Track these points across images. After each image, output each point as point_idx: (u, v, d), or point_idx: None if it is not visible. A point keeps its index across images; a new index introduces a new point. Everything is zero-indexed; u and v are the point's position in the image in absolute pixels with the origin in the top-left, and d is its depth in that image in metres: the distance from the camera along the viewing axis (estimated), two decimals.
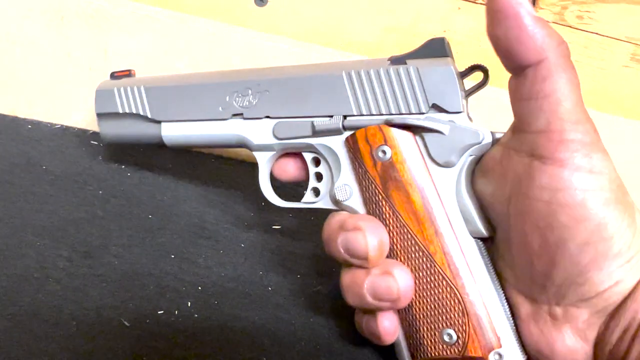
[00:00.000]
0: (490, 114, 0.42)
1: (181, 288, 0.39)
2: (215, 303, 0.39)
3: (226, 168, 0.51)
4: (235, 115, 0.39)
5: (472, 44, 0.57)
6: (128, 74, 0.44)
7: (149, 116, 0.42)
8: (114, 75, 0.45)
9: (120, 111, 0.43)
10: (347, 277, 0.34)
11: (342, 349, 0.38)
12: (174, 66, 0.53)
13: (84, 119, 0.53)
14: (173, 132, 0.41)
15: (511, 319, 0.33)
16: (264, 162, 0.40)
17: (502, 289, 0.34)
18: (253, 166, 0.51)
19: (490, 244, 0.34)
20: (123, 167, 0.49)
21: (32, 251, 0.39)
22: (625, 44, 0.57)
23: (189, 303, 0.38)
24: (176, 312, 0.37)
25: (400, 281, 0.32)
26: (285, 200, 0.40)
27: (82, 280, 0.38)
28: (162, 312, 0.37)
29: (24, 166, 0.46)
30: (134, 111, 0.42)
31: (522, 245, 0.31)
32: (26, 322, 0.34)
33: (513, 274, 0.33)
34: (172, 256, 0.42)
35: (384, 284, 0.33)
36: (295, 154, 0.40)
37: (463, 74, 0.35)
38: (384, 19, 0.57)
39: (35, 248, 0.39)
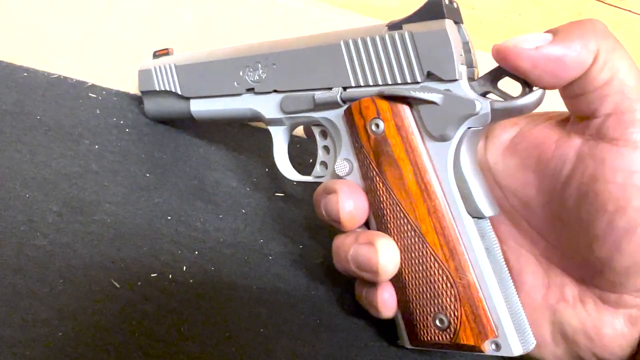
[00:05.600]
0: None
1: (177, 251, 0.37)
2: (212, 269, 0.37)
3: (230, 130, 0.49)
4: (248, 90, 0.39)
5: (499, 13, 0.53)
6: (166, 52, 0.45)
7: (180, 93, 0.43)
8: (155, 54, 0.46)
9: (157, 89, 0.44)
10: (337, 241, 0.34)
11: (344, 324, 0.36)
12: (181, 19, 0.50)
13: (83, 70, 0.50)
14: (200, 107, 0.42)
15: (518, 304, 0.31)
16: (278, 135, 0.39)
17: (542, 269, 0.32)
18: (258, 130, 0.48)
19: (521, 221, 0.33)
20: (122, 122, 0.46)
21: (19, 203, 0.36)
22: None
23: (184, 267, 0.36)
24: (170, 276, 0.35)
25: (381, 254, 0.31)
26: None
27: (71, 237, 0.35)
28: (155, 275, 0.35)
29: (17, 114, 0.44)
30: (168, 88, 0.43)
31: (580, 228, 0.29)
32: (9, 277, 0.32)
33: (561, 255, 0.31)
34: (169, 217, 0.39)
35: (366, 254, 0.32)
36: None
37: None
38: None
39: (23, 200, 0.37)
